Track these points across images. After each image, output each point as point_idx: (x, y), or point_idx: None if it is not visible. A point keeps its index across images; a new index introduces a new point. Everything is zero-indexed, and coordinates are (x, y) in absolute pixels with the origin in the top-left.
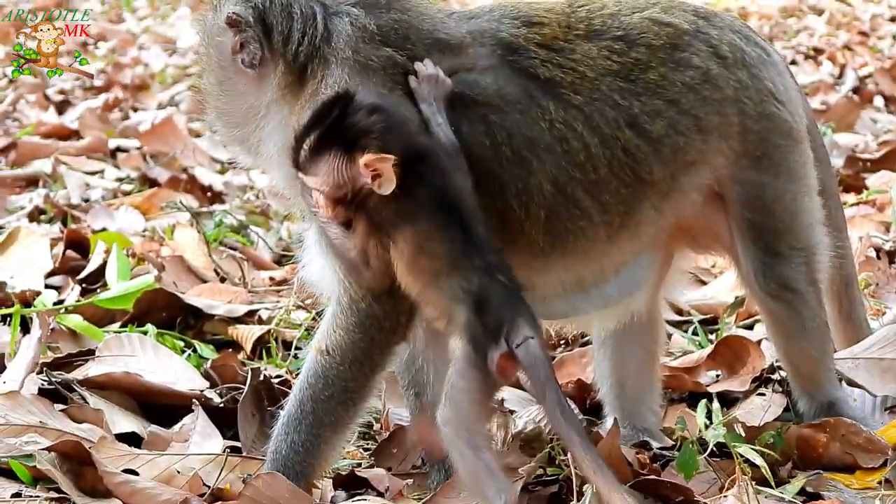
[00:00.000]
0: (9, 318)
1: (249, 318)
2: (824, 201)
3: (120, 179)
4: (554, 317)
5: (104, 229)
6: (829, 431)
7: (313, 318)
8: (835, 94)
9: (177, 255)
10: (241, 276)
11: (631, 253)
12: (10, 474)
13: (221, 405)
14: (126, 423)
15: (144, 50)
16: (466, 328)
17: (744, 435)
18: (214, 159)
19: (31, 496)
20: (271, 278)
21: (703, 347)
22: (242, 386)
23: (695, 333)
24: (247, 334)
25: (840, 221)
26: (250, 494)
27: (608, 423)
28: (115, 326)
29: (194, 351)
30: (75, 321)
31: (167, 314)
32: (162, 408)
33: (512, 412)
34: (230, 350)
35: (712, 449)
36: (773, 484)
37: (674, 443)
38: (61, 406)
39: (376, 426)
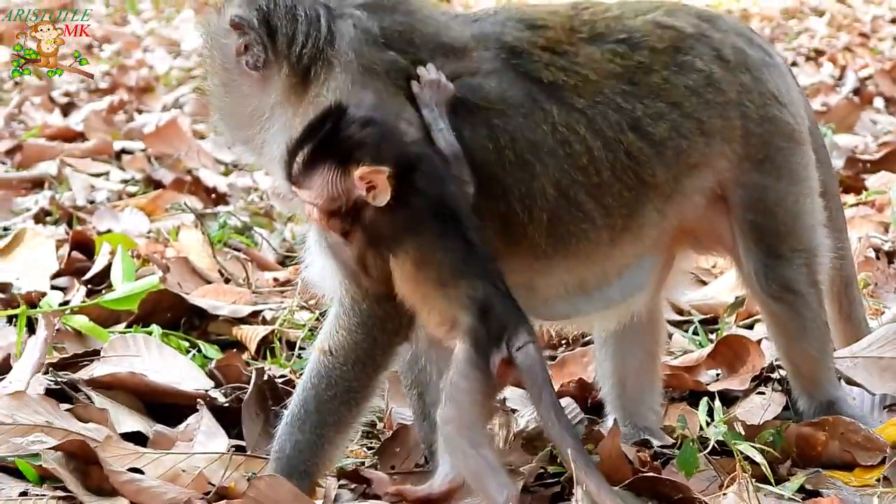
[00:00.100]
0: (15, 319)
1: (253, 318)
2: (825, 203)
3: (125, 181)
4: (556, 318)
5: (109, 231)
6: (828, 430)
7: (317, 319)
8: (835, 96)
9: (181, 257)
10: (245, 276)
11: (633, 255)
12: (17, 473)
13: (226, 405)
14: (131, 422)
15: (149, 52)
16: (470, 333)
17: (744, 433)
18: (219, 161)
19: (38, 495)
20: (275, 279)
21: (703, 347)
22: (246, 386)
23: (695, 333)
24: (251, 335)
25: (840, 222)
26: (253, 496)
27: (609, 422)
28: (121, 327)
29: (199, 351)
30: (81, 322)
31: (172, 315)
32: (167, 407)
33: (514, 411)
34: (234, 350)
35: (712, 447)
36: (772, 482)
37: (674, 441)
38: (67, 406)
39: (379, 425)
